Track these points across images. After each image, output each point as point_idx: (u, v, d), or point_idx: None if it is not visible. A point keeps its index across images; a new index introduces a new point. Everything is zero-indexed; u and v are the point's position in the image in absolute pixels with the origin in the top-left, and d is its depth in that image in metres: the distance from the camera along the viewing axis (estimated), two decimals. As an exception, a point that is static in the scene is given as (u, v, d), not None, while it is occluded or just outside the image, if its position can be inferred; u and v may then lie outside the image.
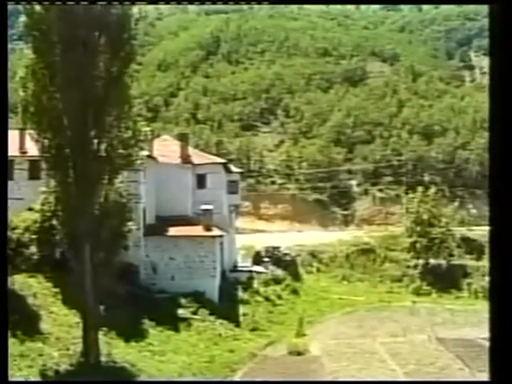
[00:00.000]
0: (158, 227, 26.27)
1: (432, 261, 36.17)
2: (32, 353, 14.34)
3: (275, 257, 33.39)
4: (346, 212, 61.33)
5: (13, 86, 15.22)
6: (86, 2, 14.05)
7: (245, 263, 34.06)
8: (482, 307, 23.78)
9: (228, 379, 17.83)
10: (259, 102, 77.73)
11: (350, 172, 65.94)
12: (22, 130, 21.40)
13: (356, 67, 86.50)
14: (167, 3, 66.21)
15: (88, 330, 15.33)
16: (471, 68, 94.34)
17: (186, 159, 29.68)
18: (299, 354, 20.82)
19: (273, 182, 64.25)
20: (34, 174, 22.22)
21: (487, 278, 28.11)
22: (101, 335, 16.28)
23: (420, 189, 38.56)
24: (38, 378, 13.48)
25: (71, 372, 14.58)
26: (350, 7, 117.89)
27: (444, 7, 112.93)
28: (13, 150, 22.51)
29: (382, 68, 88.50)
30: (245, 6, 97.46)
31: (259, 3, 65.07)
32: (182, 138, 31.22)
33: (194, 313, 23.03)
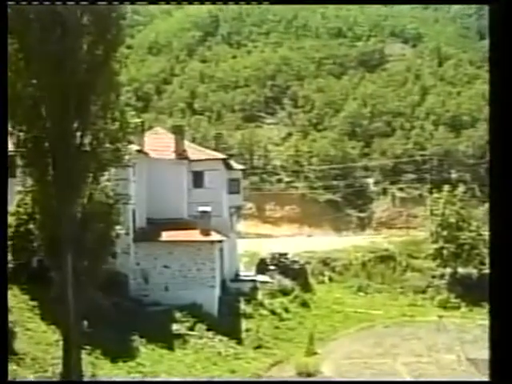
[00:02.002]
0: (149, 231, 26.27)
1: (461, 270, 35.96)
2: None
3: (282, 265, 33.44)
4: (362, 214, 61.24)
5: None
6: (85, 2, 14.21)
7: (248, 272, 34.10)
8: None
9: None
10: (264, 89, 77.72)
11: (366, 169, 65.83)
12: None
13: (373, 50, 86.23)
14: (167, 3, 68.75)
15: (69, 348, 15.26)
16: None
17: (180, 154, 29.66)
18: (309, 375, 20.82)
19: (279, 181, 64.23)
20: (8, 171, 22.17)
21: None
22: (84, 354, 16.24)
23: (447, 188, 38.34)
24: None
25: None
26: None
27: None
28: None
29: (404, 50, 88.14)
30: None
31: (259, 3, 67.01)
32: (177, 131, 31.20)
33: (191, 328, 23.07)
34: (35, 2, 13.67)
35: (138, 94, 74.82)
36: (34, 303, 18.82)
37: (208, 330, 23.23)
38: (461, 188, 38.81)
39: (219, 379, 18.41)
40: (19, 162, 15.79)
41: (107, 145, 15.56)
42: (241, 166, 36.46)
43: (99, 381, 15.17)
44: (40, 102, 15.02)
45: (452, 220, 36.57)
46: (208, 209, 26.65)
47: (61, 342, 15.74)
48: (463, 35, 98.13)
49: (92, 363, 17.02)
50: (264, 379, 19.10)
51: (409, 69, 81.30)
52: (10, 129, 15.03)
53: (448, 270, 36.18)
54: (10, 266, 17.85)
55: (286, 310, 28.86)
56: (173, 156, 29.48)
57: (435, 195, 39.28)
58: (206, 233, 26.00)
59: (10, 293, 18.20)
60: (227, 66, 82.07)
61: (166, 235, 25.91)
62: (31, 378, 14.92)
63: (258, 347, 24.00)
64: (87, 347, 17.06)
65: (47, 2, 13.87)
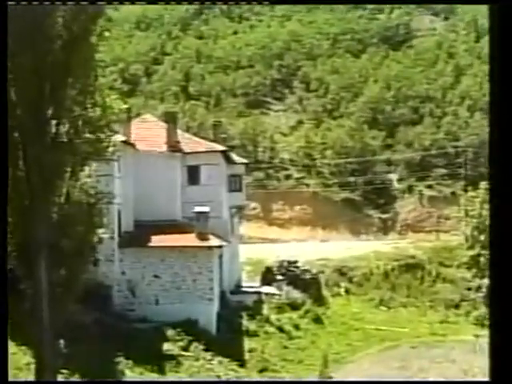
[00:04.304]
0: (137, 236, 26.34)
1: (500, 280, 35.80)
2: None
3: (291, 274, 33.55)
4: (384, 215, 61.15)
5: None
6: (85, 2, 14.67)
7: (251, 282, 34.19)
8: None
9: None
10: (270, 70, 77.65)
11: (389, 163, 65.66)
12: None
13: (398, 24, 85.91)
14: (167, 3, 73.54)
15: (43, 372, 15.28)
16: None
17: (173, 146, 29.70)
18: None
19: (288, 177, 64.18)
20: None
21: None
22: (60, 379, 16.22)
23: (484, 184, 38.13)
24: None
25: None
26: None
27: None
28: None
29: (434, 24, 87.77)
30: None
31: (259, 3, 70.40)
32: (169, 119, 31.22)
33: (185, 348, 23.07)
34: (35, 2, 14.29)
35: (124, 76, 74.92)
36: (3, 319, 18.83)
37: (205, 350, 23.32)
38: (500, 185, 38.57)
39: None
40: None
41: (87, 135, 15.56)
42: (243, 160, 36.52)
43: (98, 381, 14.99)
44: (10, 85, 15.01)
45: (490, 222, 36.37)
46: (205, 209, 26.67)
47: (33, 366, 15.77)
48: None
49: (70, 389, 17.08)
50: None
51: (440, 45, 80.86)
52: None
53: (485, 281, 35.97)
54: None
55: (296, 327, 28.97)
56: (164, 148, 29.51)
57: (470, 193, 39.11)
58: (202, 237, 26.02)
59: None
60: (227, 44, 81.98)
61: (156, 240, 25.95)
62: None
63: (264, 370, 24.10)
64: (64, 371, 17.09)
65: (47, 2, 14.43)
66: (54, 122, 15.29)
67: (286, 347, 26.73)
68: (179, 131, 31.59)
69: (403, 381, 22.47)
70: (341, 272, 38.22)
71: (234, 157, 34.64)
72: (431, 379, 23.11)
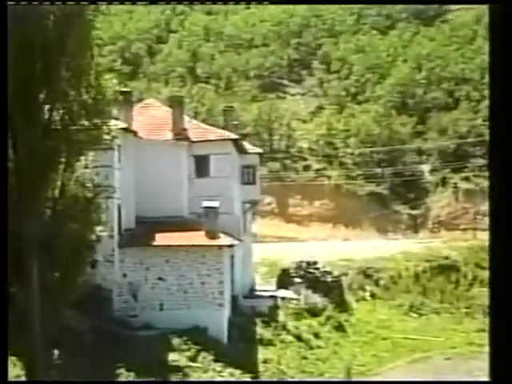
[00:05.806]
0: (139, 234, 26.40)
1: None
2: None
3: (311, 276, 33.57)
4: (414, 211, 60.89)
5: None
6: (85, 2, 15.02)
7: (266, 286, 34.23)
8: None
9: None
10: (287, 50, 77.47)
11: (420, 152, 65.34)
12: None
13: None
14: (167, 3, 78.51)
15: (35, 385, 15.36)
16: None
17: (179, 134, 29.71)
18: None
19: (307, 168, 64.09)
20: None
21: None
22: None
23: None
24: None
25: None
26: None
27: None
28: None
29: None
30: None
31: (259, 3, 77.41)
32: (175, 103, 31.19)
33: (193, 359, 23.14)
34: (35, 2, 14.71)
35: (125, 56, 75.27)
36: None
37: (215, 360, 23.33)
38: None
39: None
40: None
41: (83, 121, 15.54)
42: (257, 149, 36.47)
43: (98, 381, 15.62)
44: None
45: (534, 219, 36.06)
46: (215, 204, 26.65)
47: (23, 378, 15.84)
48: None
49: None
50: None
51: (478, 20, 79.99)
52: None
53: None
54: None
55: (316, 336, 29.08)
56: (169, 136, 29.52)
57: None
58: (212, 235, 26.03)
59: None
60: (239, 20, 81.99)
61: (160, 238, 26.01)
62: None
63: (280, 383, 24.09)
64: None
65: (47, 2, 14.81)
66: (46, 107, 15.31)
67: (304, 358, 26.78)
68: (186, 117, 31.59)
69: (403, 381, 23.69)
70: (366, 274, 38.26)
71: (247, 146, 34.61)
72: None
